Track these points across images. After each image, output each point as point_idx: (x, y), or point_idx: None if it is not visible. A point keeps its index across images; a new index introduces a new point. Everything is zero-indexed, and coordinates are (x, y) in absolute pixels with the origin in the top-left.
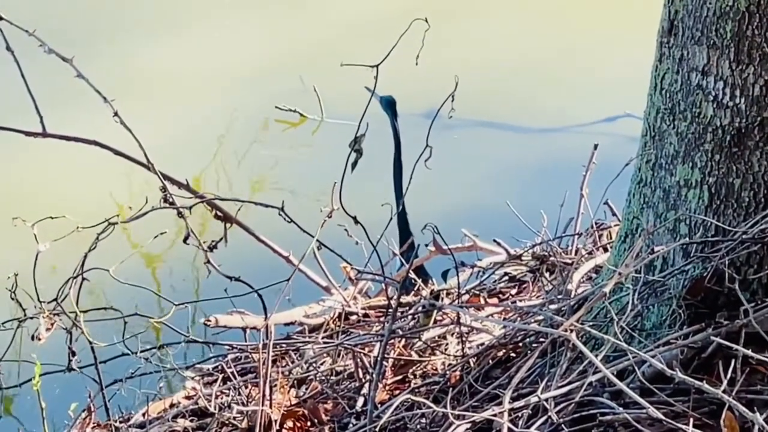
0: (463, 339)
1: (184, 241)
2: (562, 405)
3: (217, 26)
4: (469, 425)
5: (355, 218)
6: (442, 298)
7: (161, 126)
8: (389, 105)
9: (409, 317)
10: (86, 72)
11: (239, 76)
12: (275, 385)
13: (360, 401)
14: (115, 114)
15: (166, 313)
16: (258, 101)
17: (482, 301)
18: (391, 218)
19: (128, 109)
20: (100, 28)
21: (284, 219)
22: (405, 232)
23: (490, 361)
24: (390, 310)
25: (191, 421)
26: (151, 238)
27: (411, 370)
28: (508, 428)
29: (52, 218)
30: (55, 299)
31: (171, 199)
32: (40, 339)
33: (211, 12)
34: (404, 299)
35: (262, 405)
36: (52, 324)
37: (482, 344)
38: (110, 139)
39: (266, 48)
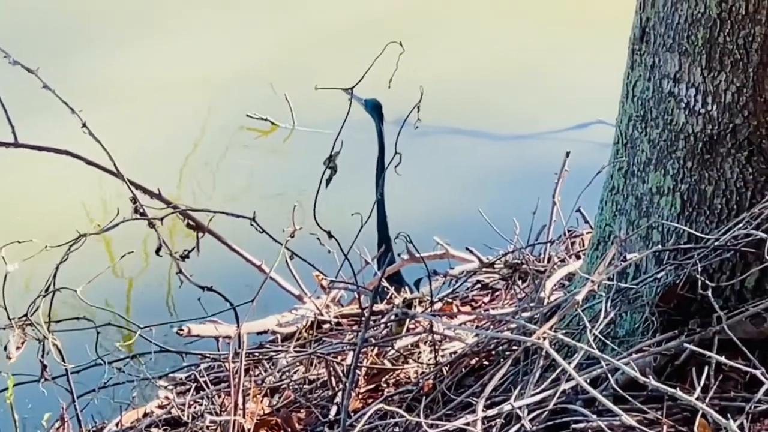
0: (436, 347)
1: (157, 252)
2: (535, 413)
3: (188, 35)
4: None
5: (329, 233)
6: (415, 307)
7: (133, 135)
8: (374, 108)
9: (382, 326)
10: (58, 81)
11: (210, 85)
12: (248, 394)
13: (333, 410)
14: (84, 125)
15: (139, 323)
16: (229, 109)
17: (455, 310)
18: (361, 227)
19: (100, 118)
20: (71, 36)
21: (256, 229)
22: (384, 238)
23: (463, 370)
24: (363, 318)
25: (164, 430)
26: (124, 244)
27: (384, 379)
28: None
29: (19, 242)
30: (25, 315)
31: (142, 210)
32: (10, 358)
33: (182, 21)
34: (377, 307)
35: (235, 414)
36: (22, 343)
37: (455, 352)
38: (83, 148)
39: (237, 56)
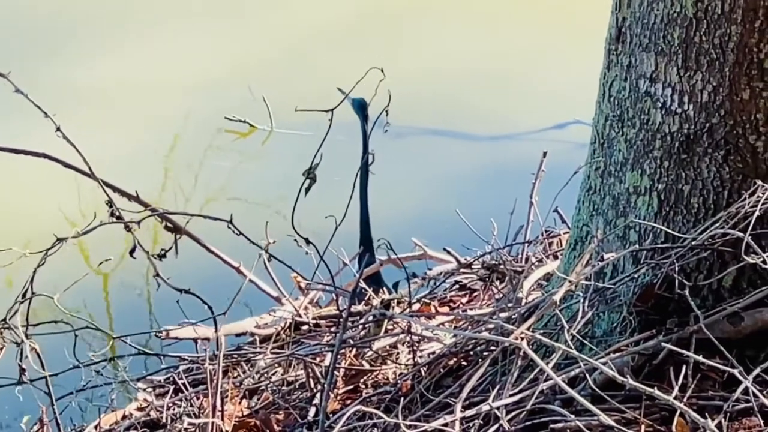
0: (414, 348)
1: (131, 254)
2: (513, 413)
3: (165, 37)
4: None
5: (306, 239)
6: (393, 308)
7: (112, 138)
8: (360, 107)
9: (360, 327)
10: (34, 84)
11: (188, 87)
12: (227, 396)
13: (312, 411)
14: (58, 129)
15: (118, 323)
16: (207, 112)
17: (433, 310)
18: (336, 227)
19: (78, 121)
20: (47, 39)
21: (233, 231)
22: (366, 238)
23: (441, 370)
24: (341, 319)
25: None
26: (102, 247)
27: (362, 380)
28: None
29: None
30: (3, 319)
31: (118, 213)
32: None
33: (159, 22)
34: (355, 309)
35: (214, 416)
36: (1, 347)
37: (433, 353)
38: (62, 152)
39: (214, 57)
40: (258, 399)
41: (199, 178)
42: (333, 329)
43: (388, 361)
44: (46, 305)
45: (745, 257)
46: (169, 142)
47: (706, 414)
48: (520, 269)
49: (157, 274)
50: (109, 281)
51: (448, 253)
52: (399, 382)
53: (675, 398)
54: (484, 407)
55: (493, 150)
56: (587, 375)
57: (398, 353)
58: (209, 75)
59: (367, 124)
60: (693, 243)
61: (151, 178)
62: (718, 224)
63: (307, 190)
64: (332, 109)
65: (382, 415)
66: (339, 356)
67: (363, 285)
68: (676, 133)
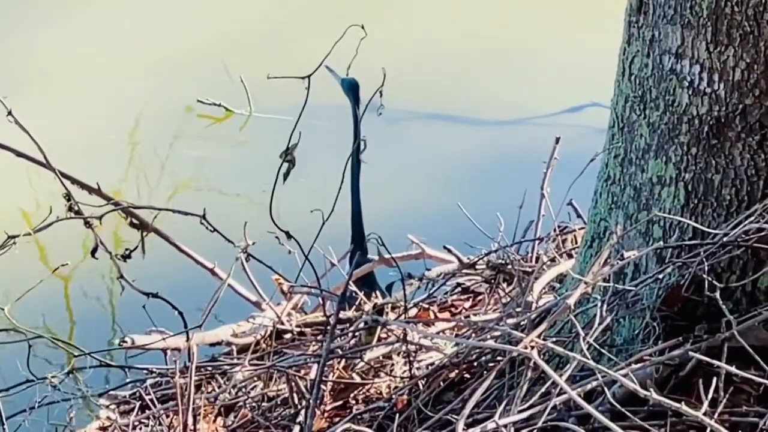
0: (411, 359)
1: (92, 254)
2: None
3: (130, 9)
4: None
5: (287, 233)
6: (387, 313)
7: (70, 123)
8: (351, 88)
9: (350, 335)
10: None
11: (155, 65)
12: (199, 414)
13: (296, 430)
14: (9, 113)
15: (80, 331)
16: (178, 94)
17: (432, 316)
18: (323, 223)
19: (32, 104)
20: None
21: (206, 228)
22: (358, 235)
23: (442, 383)
24: (328, 327)
25: None
26: (64, 245)
27: (352, 395)
28: None
29: None
30: None
31: (77, 208)
32: None
33: None
34: (344, 315)
35: None
36: None
37: (432, 364)
38: (13, 138)
39: (185, 32)
40: (235, 417)
41: (167, 168)
42: (319, 338)
43: (382, 374)
44: None
45: None
46: (135, 128)
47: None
48: (529, 270)
49: (121, 276)
50: (70, 283)
51: (449, 251)
52: (394, 397)
53: (705, 414)
54: (490, 425)
55: (499, 136)
56: (606, 388)
57: (393, 365)
58: (180, 52)
59: (358, 107)
60: (724, 239)
61: (114, 169)
62: (752, 218)
63: (286, 175)
64: (309, 76)
65: None
66: (326, 368)
67: (353, 288)
68: (705, 115)
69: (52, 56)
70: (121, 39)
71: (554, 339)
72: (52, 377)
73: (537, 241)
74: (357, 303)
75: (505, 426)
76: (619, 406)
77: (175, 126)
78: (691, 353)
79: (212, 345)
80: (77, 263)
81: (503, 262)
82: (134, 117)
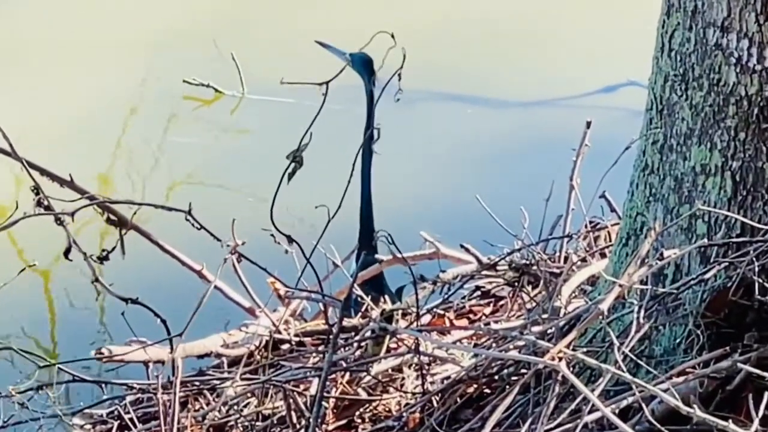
0: (424, 372)
1: (65, 255)
2: None
3: None
4: None
5: (289, 237)
6: (397, 320)
7: (45, 108)
8: (364, 64)
9: (355, 345)
10: None
11: (139, 44)
12: None
13: None
14: None
15: (54, 342)
16: (164, 74)
17: (447, 324)
18: (329, 221)
19: (4, 86)
20: None
21: (193, 225)
22: (367, 232)
23: (458, 399)
24: (330, 336)
25: None
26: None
27: (358, 413)
28: None
29: None
30: None
31: (46, 203)
32: None
33: None
34: (348, 322)
35: None
36: None
37: (448, 378)
38: None
39: (173, 9)
40: None
41: (151, 159)
42: (321, 348)
43: (391, 389)
44: None
45: None
46: (116, 113)
47: None
48: (557, 271)
49: (97, 279)
50: (51, 283)
51: (467, 250)
52: (405, 415)
53: None
54: None
55: (524, 119)
56: (643, 405)
57: (403, 378)
58: (166, 28)
59: (374, 85)
60: None
61: (92, 159)
62: None
63: (291, 176)
64: (327, 83)
65: None
66: (328, 383)
67: (359, 292)
68: (755, 96)
69: (37, 35)
70: (105, 19)
71: (585, 349)
72: (19, 393)
73: (566, 239)
74: (363, 309)
75: None
76: (658, 425)
77: (160, 110)
78: (739, 365)
79: (200, 357)
80: (54, 261)
81: (528, 262)
82: (116, 101)
